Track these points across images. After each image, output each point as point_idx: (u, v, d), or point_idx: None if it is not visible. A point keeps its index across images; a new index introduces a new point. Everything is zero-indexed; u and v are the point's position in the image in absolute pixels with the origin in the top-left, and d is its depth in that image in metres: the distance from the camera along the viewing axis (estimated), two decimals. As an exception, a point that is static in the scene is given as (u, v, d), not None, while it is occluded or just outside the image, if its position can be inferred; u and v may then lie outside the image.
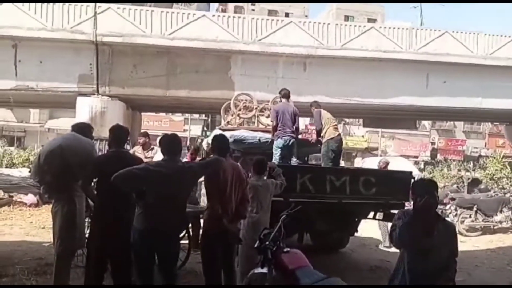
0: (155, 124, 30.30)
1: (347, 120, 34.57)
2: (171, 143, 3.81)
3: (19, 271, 5.36)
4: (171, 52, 14.58)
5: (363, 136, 35.46)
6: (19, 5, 13.38)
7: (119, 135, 4.29)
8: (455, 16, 73.69)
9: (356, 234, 7.03)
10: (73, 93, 14.08)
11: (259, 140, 7.17)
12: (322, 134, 7.20)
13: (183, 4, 29.36)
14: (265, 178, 5.14)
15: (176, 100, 15.79)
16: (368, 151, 32.99)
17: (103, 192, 3.94)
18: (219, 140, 4.46)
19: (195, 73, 14.69)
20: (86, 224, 4.69)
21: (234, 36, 14.74)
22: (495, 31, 16.86)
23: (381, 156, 27.84)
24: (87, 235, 4.47)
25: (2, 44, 13.46)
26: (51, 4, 13.74)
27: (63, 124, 21.99)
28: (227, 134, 7.08)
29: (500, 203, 9.87)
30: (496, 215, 9.74)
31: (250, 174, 5.16)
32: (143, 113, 21.35)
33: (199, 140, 9.64)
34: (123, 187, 3.56)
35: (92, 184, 4.18)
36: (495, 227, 9.69)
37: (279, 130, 6.95)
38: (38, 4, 13.62)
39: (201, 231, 4.33)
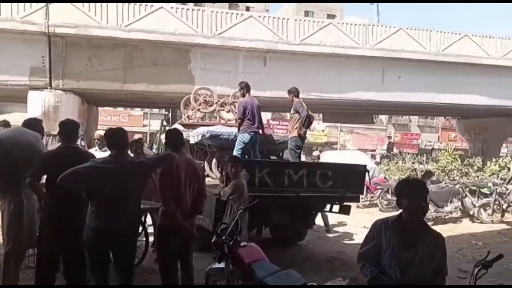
0: (113, 119, 29.53)
1: (307, 114, 34.97)
2: (117, 137, 3.68)
3: None
4: (128, 45, 14.21)
5: (323, 131, 36.14)
6: (-35, -7, 12.62)
7: (69, 130, 4.13)
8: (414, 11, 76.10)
9: (313, 226, 7.15)
10: (24, 87, 13.45)
11: (235, 135, 7.08)
12: (296, 127, 7.04)
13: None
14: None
15: (134, 94, 15.42)
16: (328, 145, 33.67)
17: (53, 189, 3.77)
18: (172, 135, 4.37)
19: (153, 66, 14.41)
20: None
21: (193, 29, 14.56)
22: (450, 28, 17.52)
23: (340, 150, 28.53)
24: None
25: None
26: (-2, -8, 13.04)
27: (15, 119, 20.91)
28: (204, 129, 7.03)
29: (451, 194, 10.31)
30: (447, 205, 10.16)
31: (230, 168, 5.23)
32: (100, 108, 20.73)
33: (157, 135, 9.47)
34: (71, 187, 3.44)
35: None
36: (446, 217, 10.12)
37: (246, 125, 6.87)
38: (-16, -7, 12.88)
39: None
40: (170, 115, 31.58)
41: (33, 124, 4.74)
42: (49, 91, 13.53)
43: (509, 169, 13.04)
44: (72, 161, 3.55)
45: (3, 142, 4.11)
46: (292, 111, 7.28)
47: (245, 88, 7.26)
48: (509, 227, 9.75)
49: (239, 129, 6.98)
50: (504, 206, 10.27)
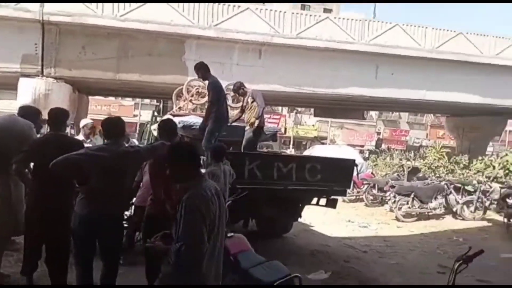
0: (103, 108, 29.43)
1: (299, 109, 35.22)
2: (114, 126, 3.68)
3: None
4: (123, 34, 14.17)
5: (313, 126, 36.33)
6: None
7: (57, 118, 4.12)
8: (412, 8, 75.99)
9: (299, 219, 7.27)
10: (15, 74, 13.39)
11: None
12: (257, 118, 6.72)
13: None
14: (223, 164, 5.18)
15: (126, 84, 15.41)
16: (318, 140, 33.89)
17: (39, 176, 3.79)
18: (166, 125, 4.38)
19: (147, 56, 14.40)
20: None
21: (189, 20, 14.55)
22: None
23: (330, 144, 28.72)
24: None
25: None
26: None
27: (6, 106, 20.73)
28: (176, 119, 7.01)
29: (435, 191, 10.55)
30: (431, 202, 10.39)
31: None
32: (91, 97, 20.66)
33: (147, 125, 9.48)
34: (63, 174, 3.46)
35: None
36: (430, 213, 10.35)
37: (220, 112, 6.15)
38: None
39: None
40: (161, 105, 31.52)
41: (28, 112, 4.78)
42: (41, 79, 13.49)
43: (494, 167, 13.32)
44: (59, 148, 3.54)
45: None
46: (250, 99, 6.84)
47: (202, 68, 6.19)
48: (490, 224, 10.02)
49: (208, 116, 6.12)
50: (487, 204, 10.53)
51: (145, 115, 29.81)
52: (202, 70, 6.23)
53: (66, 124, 4.33)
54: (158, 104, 31.85)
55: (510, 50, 18.02)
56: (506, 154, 14.59)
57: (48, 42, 13.48)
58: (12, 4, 12.84)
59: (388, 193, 10.74)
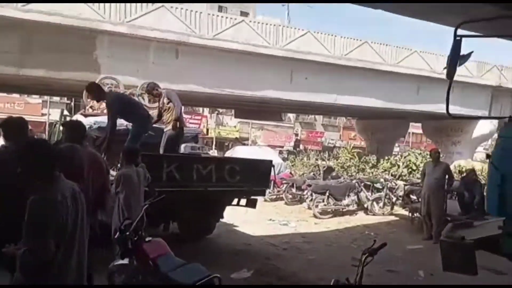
0: (6, 106, 26.89)
1: (220, 110, 35.29)
2: (17, 127, 3.47)
3: None
4: (26, 26, 12.94)
5: (235, 127, 36.66)
6: None
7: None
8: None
9: (221, 220, 7.25)
10: None
11: (127, 126, 6.48)
12: (175, 119, 6.54)
13: None
14: (135, 167, 5.03)
15: (31, 80, 14.17)
16: (239, 141, 34.24)
17: None
18: (72, 127, 4.16)
19: (55, 52, 13.34)
20: None
21: (100, 14, 13.79)
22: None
23: (250, 145, 29.15)
24: None
25: None
26: None
27: None
28: (91, 120, 6.58)
29: (348, 189, 11.14)
30: (345, 199, 10.96)
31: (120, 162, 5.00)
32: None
33: (56, 126, 8.83)
34: None
35: None
36: (344, 210, 10.91)
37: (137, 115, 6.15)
38: None
39: None
40: (72, 104, 29.49)
41: None
42: None
43: (398, 166, 14.47)
44: None
45: None
46: (166, 100, 6.73)
47: (93, 90, 6.05)
48: (398, 218, 10.84)
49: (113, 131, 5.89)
50: (394, 200, 11.40)
51: (55, 114, 27.64)
52: (93, 92, 6.01)
53: None
54: (69, 102, 29.75)
55: (409, 59, 19.74)
56: (409, 154, 15.99)
57: None
58: None
59: (305, 192, 11.11)
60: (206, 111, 36.20)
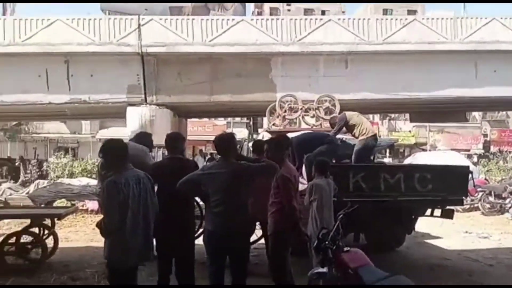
0: (199, 129, 30.91)
1: (392, 115, 33.85)
2: (226, 143, 3.86)
3: (89, 275, 5.69)
4: (213, 58, 14.85)
5: (410, 131, 34.57)
6: (69, 22, 14.11)
7: (172, 142, 4.46)
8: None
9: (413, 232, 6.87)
10: (122, 104, 14.66)
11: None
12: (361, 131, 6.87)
13: (219, 9, 29.80)
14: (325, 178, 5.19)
15: (220, 105, 16.07)
16: (417, 146, 32.08)
17: (163, 197, 4.00)
18: (274, 145, 4.45)
19: (237, 77, 14.88)
20: None
21: (273, 38, 14.81)
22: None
23: (430, 151, 26.98)
24: None
25: (55, 61, 14.20)
26: (98, 19, 14.48)
27: (113, 133, 22.86)
28: (290, 135, 7.00)
29: None
30: None
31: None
32: (188, 120, 21.89)
33: (244, 143, 9.90)
34: (188, 193, 3.74)
35: None
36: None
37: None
38: (87, 20, 14.31)
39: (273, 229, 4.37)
40: (251, 123, 32.41)
41: (142, 138, 5.20)
42: (145, 107, 14.58)
43: None
44: (177, 170, 3.91)
45: None
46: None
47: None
48: None
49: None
50: None
51: (237, 133, 30.82)
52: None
53: (182, 148, 4.63)
54: (248, 121, 32.79)
55: None
56: None
57: (148, 72, 14.59)
58: (115, 40, 14.16)
59: (507, 200, 9.70)
60: (377, 117, 35.11)
